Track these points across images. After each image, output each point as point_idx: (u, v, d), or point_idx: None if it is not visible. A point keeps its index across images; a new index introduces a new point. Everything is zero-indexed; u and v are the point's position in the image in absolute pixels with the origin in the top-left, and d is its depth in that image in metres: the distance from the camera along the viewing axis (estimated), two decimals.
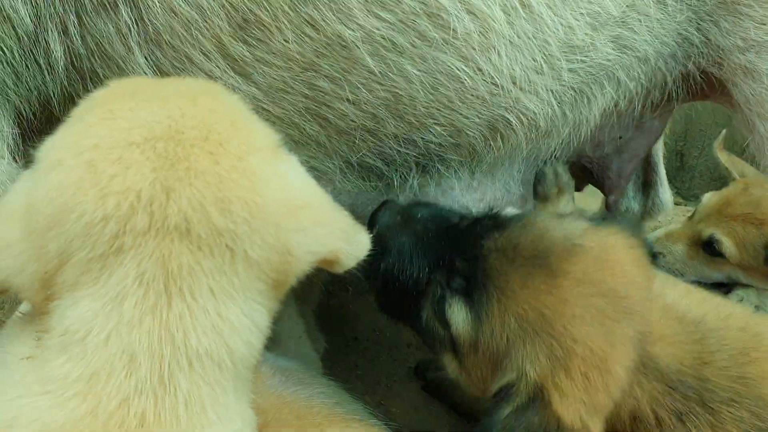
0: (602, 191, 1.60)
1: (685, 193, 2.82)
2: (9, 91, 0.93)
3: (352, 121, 1.05)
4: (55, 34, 0.92)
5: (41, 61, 0.93)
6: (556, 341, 0.88)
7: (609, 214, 1.99)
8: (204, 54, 0.92)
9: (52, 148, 0.68)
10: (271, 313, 0.73)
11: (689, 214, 2.24)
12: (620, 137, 1.47)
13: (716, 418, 0.91)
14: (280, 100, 0.99)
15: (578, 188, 1.74)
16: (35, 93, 0.96)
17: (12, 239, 0.66)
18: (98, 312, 0.62)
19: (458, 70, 1.01)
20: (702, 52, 1.22)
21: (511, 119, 1.13)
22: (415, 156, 1.14)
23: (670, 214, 2.40)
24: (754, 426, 0.91)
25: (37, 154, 0.70)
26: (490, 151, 1.17)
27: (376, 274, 0.99)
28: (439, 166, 1.17)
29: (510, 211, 1.09)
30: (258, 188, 0.67)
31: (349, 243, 0.74)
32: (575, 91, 1.18)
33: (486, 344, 0.92)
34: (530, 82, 1.10)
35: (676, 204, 2.71)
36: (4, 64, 0.90)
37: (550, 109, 1.16)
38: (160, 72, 0.95)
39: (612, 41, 1.15)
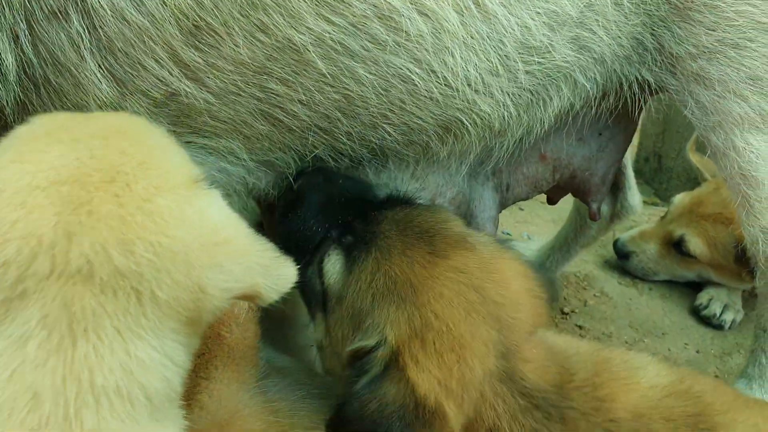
0: (583, 200, 1.63)
1: (663, 194, 2.89)
2: None
3: (305, 121, 1.09)
4: (6, 43, 0.96)
5: None
6: (417, 310, 0.94)
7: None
8: (156, 60, 0.98)
9: None
10: (190, 348, 0.76)
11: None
12: (600, 134, 1.50)
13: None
14: (233, 104, 1.04)
15: (554, 201, 1.81)
16: None
17: None
18: (2, 351, 0.66)
19: (411, 72, 1.07)
20: (656, 59, 1.27)
21: (465, 120, 1.18)
22: (368, 152, 1.20)
23: (645, 216, 2.49)
24: None
25: None
26: (443, 149, 1.22)
27: (284, 223, 1.10)
28: (391, 162, 1.23)
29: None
30: (164, 229, 0.70)
31: (269, 277, 0.78)
32: (531, 93, 1.22)
33: (351, 298, 0.99)
34: (485, 84, 1.14)
35: (653, 205, 2.80)
36: None
37: (505, 111, 1.20)
38: (115, 78, 1.00)
39: (570, 42, 1.19)
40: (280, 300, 0.80)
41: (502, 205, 1.47)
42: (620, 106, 1.40)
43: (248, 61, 0.99)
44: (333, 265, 1.03)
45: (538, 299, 1.03)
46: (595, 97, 1.34)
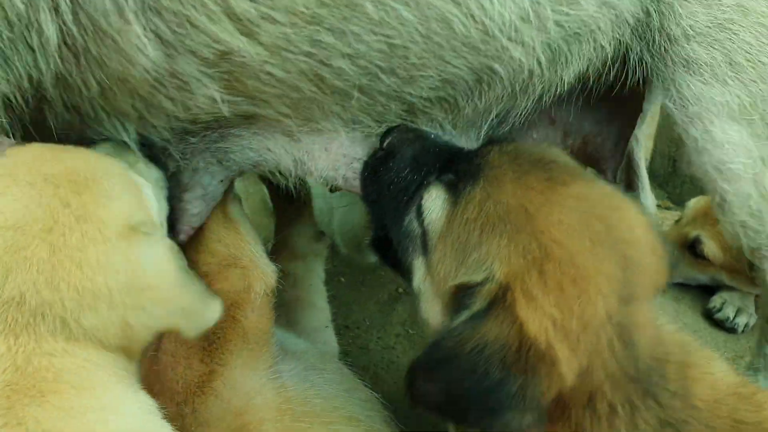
0: (598, 168, 1.63)
1: (677, 198, 2.91)
2: None
3: (347, 80, 1.11)
4: (47, 13, 0.95)
5: (33, 43, 0.97)
6: (534, 239, 0.85)
7: None
8: (207, 16, 0.98)
9: None
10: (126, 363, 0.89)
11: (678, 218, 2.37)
12: (608, 99, 1.49)
13: (665, 412, 0.90)
14: (284, 61, 1.05)
15: None
16: (26, 78, 0.98)
17: None
18: None
19: (451, 15, 1.10)
20: (655, 40, 1.30)
21: (498, 68, 1.20)
22: (401, 112, 1.21)
23: (658, 219, 2.55)
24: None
25: None
26: (470, 104, 1.24)
27: (374, 181, 1.07)
28: (420, 122, 1.24)
29: None
30: (90, 275, 0.84)
31: (190, 320, 0.91)
32: (558, 47, 1.24)
33: (457, 233, 0.92)
34: (517, 30, 1.16)
35: (667, 209, 2.86)
36: None
37: (534, 61, 1.23)
38: (162, 41, 0.99)
39: None
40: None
41: None
42: (623, 80, 1.42)
43: (301, 9, 1.00)
44: (434, 201, 0.97)
45: (661, 257, 0.94)
46: (608, 63, 1.36)
